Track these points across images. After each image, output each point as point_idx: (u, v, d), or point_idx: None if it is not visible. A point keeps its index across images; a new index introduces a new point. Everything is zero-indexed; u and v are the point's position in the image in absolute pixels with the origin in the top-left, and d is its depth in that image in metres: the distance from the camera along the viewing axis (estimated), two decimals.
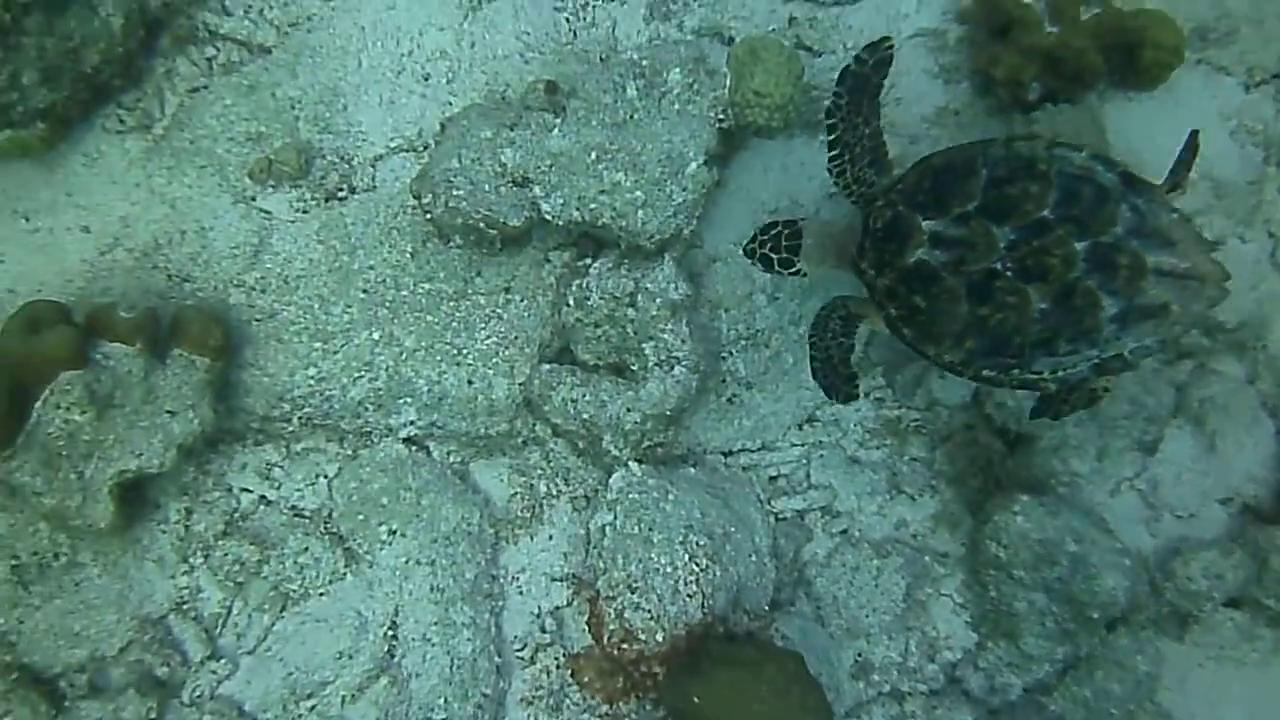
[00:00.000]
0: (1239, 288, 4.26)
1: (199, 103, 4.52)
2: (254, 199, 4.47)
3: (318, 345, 4.36)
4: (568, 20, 4.65)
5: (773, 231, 4.12)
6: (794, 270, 4.13)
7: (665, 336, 4.17)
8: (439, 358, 4.38)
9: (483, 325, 4.41)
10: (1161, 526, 4.56)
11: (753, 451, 4.66)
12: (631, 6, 4.69)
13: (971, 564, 4.51)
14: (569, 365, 4.36)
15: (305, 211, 4.47)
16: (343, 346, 4.36)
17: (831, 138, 3.99)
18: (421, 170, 4.24)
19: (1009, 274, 3.65)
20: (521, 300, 4.41)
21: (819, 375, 4.27)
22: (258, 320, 4.38)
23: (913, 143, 4.56)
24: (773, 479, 4.67)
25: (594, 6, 4.67)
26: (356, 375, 4.36)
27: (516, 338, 4.41)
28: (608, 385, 4.23)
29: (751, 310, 4.58)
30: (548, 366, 4.32)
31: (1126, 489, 4.58)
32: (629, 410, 4.18)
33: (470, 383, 4.37)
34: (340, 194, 4.49)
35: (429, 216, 4.19)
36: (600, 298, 4.18)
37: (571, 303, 4.25)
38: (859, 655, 4.48)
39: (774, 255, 4.11)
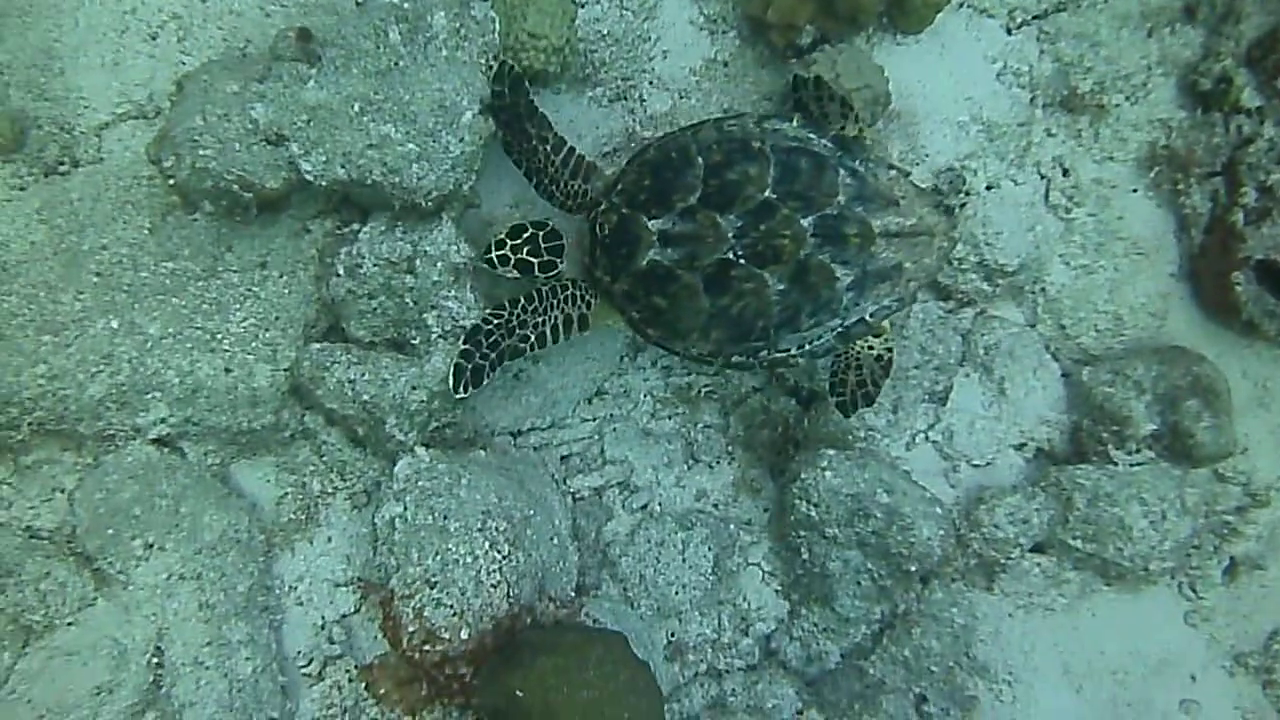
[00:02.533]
0: (1015, 231, 5.04)
1: None
2: None
3: (46, 339, 4.55)
4: None
5: (525, 235, 4.51)
6: (555, 274, 4.54)
7: (449, 304, 4.56)
8: (190, 345, 4.66)
9: (238, 306, 4.73)
10: (960, 477, 5.35)
11: (543, 430, 5.13)
12: None
13: (778, 529, 5.10)
14: (342, 343, 4.61)
15: (22, 189, 4.68)
16: (76, 338, 4.57)
17: (522, 171, 4.57)
18: (160, 132, 4.53)
19: (743, 261, 4.29)
20: (280, 276, 4.73)
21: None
22: None
23: (683, 97, 5.22)
24: (565, 458, 5.15)
25: None
26: (94, 370, 4.58)
27: (277, 318, 4.73)
28: (388, 362, 4.58)
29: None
30: (318, 346, 4.68)
31: (922, 441, 5.33)
32: (414, 388, 4.55)
33: (228, 371, 4.66)
34: (62, 167, 4.73)
35: (172, 182, 4.46)
36: (374, 265, 4.55)
37: (341, 273, 4.61)
38: (672, 635, 4.98)
39: (534, 259, 4.48)
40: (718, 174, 4.35)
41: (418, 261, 4.55)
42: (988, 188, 5.27)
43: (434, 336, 4.60)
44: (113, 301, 4.57)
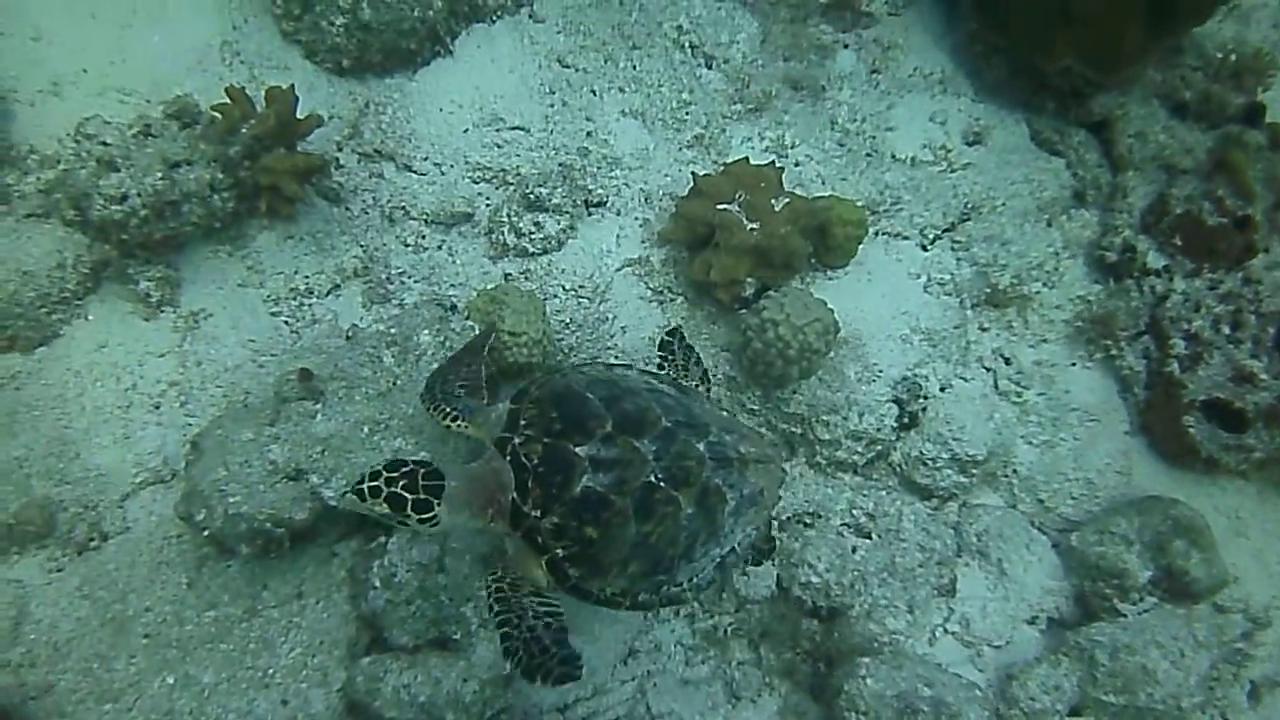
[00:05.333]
0: (976, 422, 5.74)
1: None
2: None
3: (107, 708, 4.89)
4: (287, 323, 5.63)
5: (404, 469, 4.31)
6: (428, 516, 4.29)
7: (483, 593, 4.99)
8: (245, 685, 5.00)
9: (283, 639, 5.10)
10: (985, 661, 5.76)
11: (587, 700, 5.48)
12: (348, 297, 5.78)
13: None
14: (390, 653, 5.06)
15: (59, 570, 5.10)
16: (136, 701, 4.91)
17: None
18: (186, 490, 4.99)
19: (663, 484, 4.39)
20: (317, 602, 5.15)
21: (526, 664, 4.34)
22: (32, 698, 4.87)
23: (647, 363, 5.76)
24: None
25: (310, 304, 5.69)
26: None
27: (322, 642, 5.12)
28: (436, 661, 4.99)
29: None
30: (367, 660, 5.04)
31: (941, 634, 5.78)
32: (465, 680, 4.95)
33: (284, 703, 5.01)
34: (92, 543, 5.16)
35: (206, 533, 4.90)
36: (407, 571, 5.01)
37: (378, 585, 5.03)
38: None
39: (409, 495, 4.25)
40: (614, 405, 4.48)
41: (446, 559, 5.02)
42: (941, 389, 5.91)
43: (474, 627, 5.00)
44: (165, 659, 4.92)
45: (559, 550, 4.30)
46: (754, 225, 5.59)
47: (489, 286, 5.77)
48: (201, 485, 4.90)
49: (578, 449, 4.31)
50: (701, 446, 4.53)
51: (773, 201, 5.64)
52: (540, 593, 4.40)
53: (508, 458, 4.36)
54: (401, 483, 4.24)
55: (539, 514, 4.27)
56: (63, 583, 5.06)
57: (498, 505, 4.35)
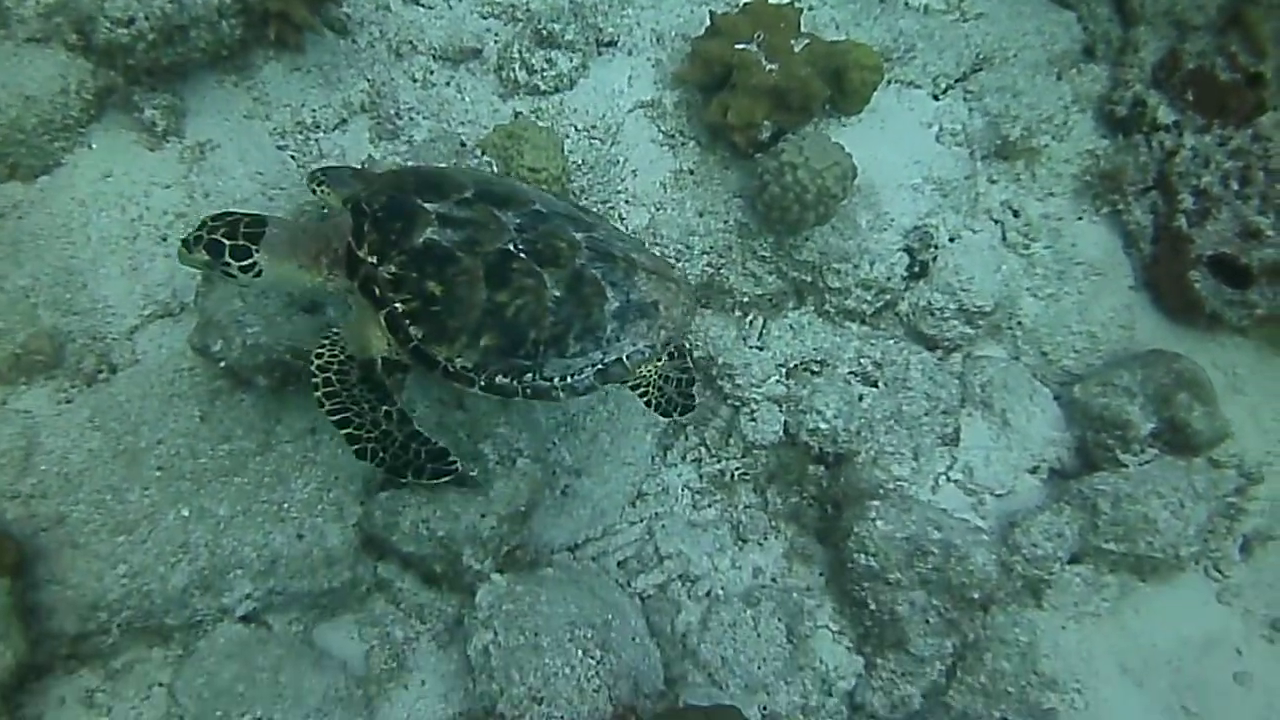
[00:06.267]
0: (984, 274, 5.74)
1: None
2: (5, 402, 4.95)
3: (121, 539, 4.83)
4: (293, 157, 5.51)
5: (227, 218, 4.27)
6: (248, 263, 4.23)
7: (500, 430, 5.01)
8: (260, 519, 4.97)
9: (297, 474, 5.07)
10: (987, 509, 5.85)
11: (597, 540, 5.52)
12: (354, 133, 5.67)
13: (839, 588, 5.54)
14: (407, 488, 5.03)
15: (69, 401, 5.03)
16: (150, 533, 4.86)
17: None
18: (200, 322, 4.91)
19: (523, 255, 4.24)
20: (331, 438, 5.09)
21: (389, 464, 4.40)
22: (44, 530, 4.81)
23: (659, 208, 5.77)
24: (622, 563, 5.55)
25: (316, 139, 5.57)
26: (174, 560, 4.85)
27: (337, 478, 5.09)
28: (454, 497, 4.98)
29: None
30: (385, 495, 5.01)
31: (945, 482, 5.87)
32: (483, 515, 4.95)
33: (300, 536, 4.98)
34: (101, 375, 5.09)
35: (223, 364, 4.84)
36: (425, 406, 4.95)
37: None
38: (764, 709, 5.36)
39: (226, 241, 4.20)
40: (484, 185, 4.41)
41: (465, 396, 5.07)
42: (950, 240, 5.90)
43: (491, 464, 5.02)
44: (179, 491, 4.87)
45: (398, 304, 4.19)
46: (773, 66, 5.50)
47: (502, 123, 5.67)
48: (218, 316, 4.81)
49: (426, 204, 4.22)
50: (578, 235, 4.39)
51: (792, 42, 5.55)
52: (372, 376, 4.29)
53: (348, 207, 4.31)
54: (221, 230, 4.19)
55: (375, 260, 4.17)
56: (73, 414, 4.98)
57: (333, 255, 4.28)
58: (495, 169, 5.20)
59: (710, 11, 5.78)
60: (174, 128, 5.43)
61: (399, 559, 5.11)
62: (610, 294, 4.36)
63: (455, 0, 5.92)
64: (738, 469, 5.76)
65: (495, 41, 5.92)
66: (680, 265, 5.61)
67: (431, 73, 5.82)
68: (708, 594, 5.56)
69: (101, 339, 5.13)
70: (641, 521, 5.62)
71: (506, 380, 4.30)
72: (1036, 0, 6.64)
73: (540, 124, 5.64)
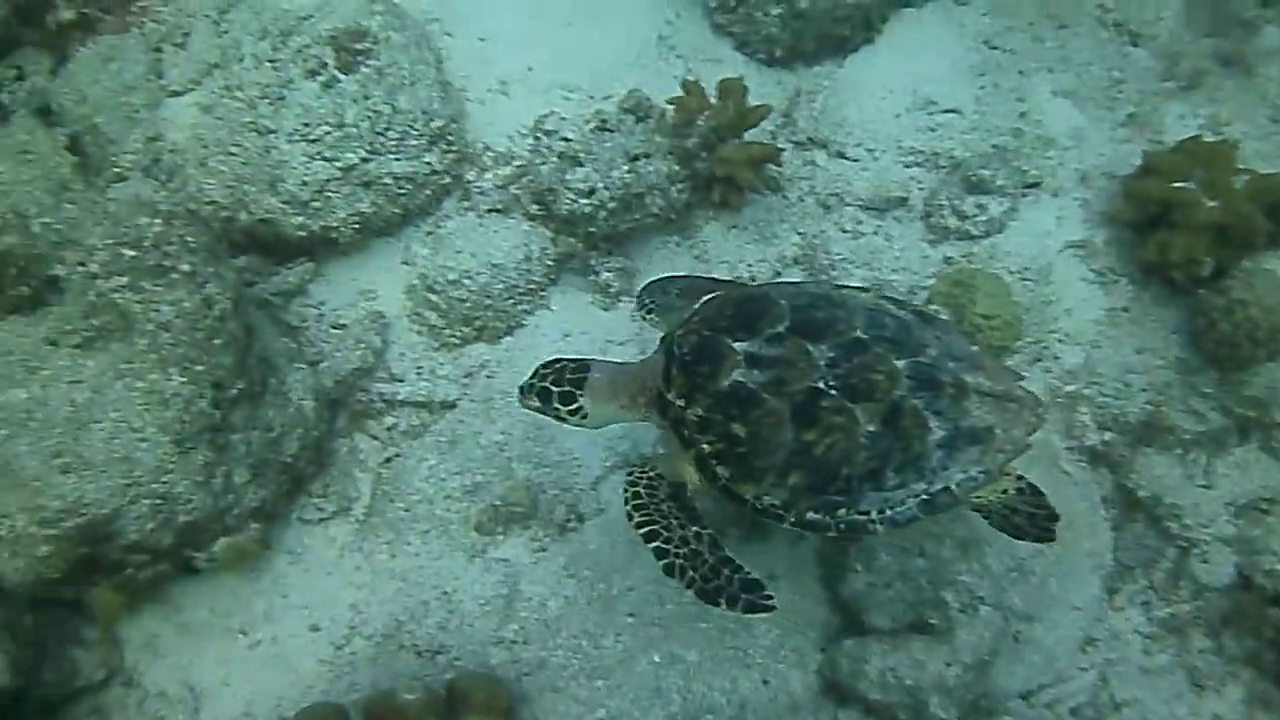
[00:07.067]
0: None
1: (400, 470, 5.40)
2: (486, 551, 5.23)
3: (599, 683, 5.04)
4: None
5: (556, 365, 4.58)
6: (574, 408, 4.51)
7: (964, 578, 5.01)
8: (726, 664, 5.09)
9: (759, 620, 5.12)
10: None
11: (1050, 687, 5.40)
12: None
13: None
14: (871, 635, 5.07)
15: (544, 550, 5.29)
16: (625, 678, 5.04)
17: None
18: None
19: (834, 392, 4.12)
20: (789, 585, 5.21)
21: (700, 586, 4.27)
22: (526, 674, 5.07)
23: (1095, 347, 5.69)
24: (1074, 710, 5.41)
25: None
26: (648, 705, 5.02)
27: (796, 624, 5.18)
28: (919, 645, 5.00)
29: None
30: (850, 642, 5.07)
31: None
32: (949, 665, 4.94)
33: (765, 683, 5.08)
34: (569, 524, 5.31)
35: None
36: (887, 555, 5.00)
37: (859, 568, 5.06)
38: None
39: (554, 389, 4.50)
40: (803, 312, 4.29)
41: (925, 543, 5.05)
42: None
43: (953, 612, 4.99)
44: (649, 637, 5.05)
45: (705, 445, 4.23)
46: (1213, 203, 5.44)
47: (929, 273, 5.77)
48: None
49: (735, 343, 4.21)
50: (900, 364, 4.21)
51: (1232, 178, 5.48)
52: (679, 495, 4.33)
53: (666, 348, 4.40)
54: (550, 378, 4.52)
55: (683, 403, 4.24)
56: (549, 562, 5.25)
57: (649, 395, 4.41)
58: (946, 317, 5.27)
59: (1144, 151, 5.77)
60: (626, 287, 5.73)
61: (862, 706, 5.12)
62: (934, 423, 4.19)
63: (880, 152, 6.06)
64: (1189, 613, 5.58)
65: (919, 189, 6.03)
66: (1119, 403, 5.55)
67: (860, 222, 5.96)
68: None
69: (569, 489, 5.38)
70: (1093, 668, 5.50)
71: (818, 516, 4.22)
72: None
73: (989, 271, 5.71)
